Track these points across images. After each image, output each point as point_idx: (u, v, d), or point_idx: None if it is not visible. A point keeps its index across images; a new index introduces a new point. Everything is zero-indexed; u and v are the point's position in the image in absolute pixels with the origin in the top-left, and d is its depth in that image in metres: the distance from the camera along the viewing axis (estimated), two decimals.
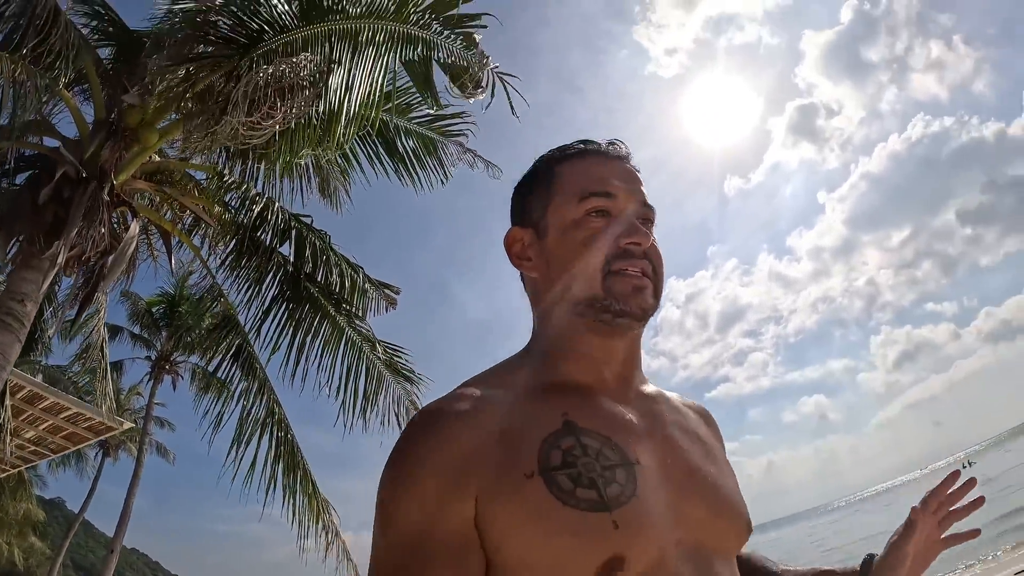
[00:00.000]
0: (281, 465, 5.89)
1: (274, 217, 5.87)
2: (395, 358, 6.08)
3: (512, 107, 4.92)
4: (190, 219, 6.12)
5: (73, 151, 4.98)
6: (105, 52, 6.02)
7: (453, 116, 6.05)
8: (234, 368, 5.97)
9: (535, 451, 0.72)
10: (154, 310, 16.58)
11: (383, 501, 0.74)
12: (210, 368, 5.92)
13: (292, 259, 5.89)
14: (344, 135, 4.07)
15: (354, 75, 3.91)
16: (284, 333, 5.87)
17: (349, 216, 6.84)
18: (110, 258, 4.88)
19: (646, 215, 0.90)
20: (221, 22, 4.70)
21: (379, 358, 6.01)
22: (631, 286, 0.84)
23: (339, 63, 3.97)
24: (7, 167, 4.54)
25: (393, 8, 4.38)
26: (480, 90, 4.80)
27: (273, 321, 5.89)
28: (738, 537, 0.84)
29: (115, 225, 5.03)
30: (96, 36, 5.92)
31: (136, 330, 16.73)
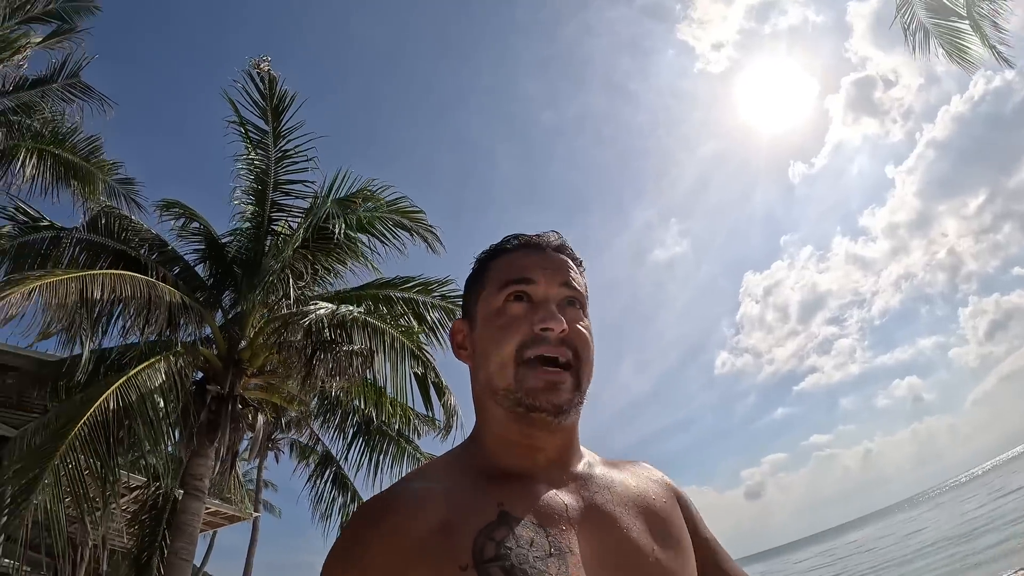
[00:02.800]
0: None
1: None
2: None
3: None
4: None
5: (207, 371, 7.69)
6: (202, 269, 8.70)
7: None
8: (334, 489, 8.64)
9: (470, 543, 0.72)
10: None
11: None
12: (313, 495, 8.60)
13: (363, 408, 8.49)
14: (394, 416, 6.69)
15: (386, 369, 6.43)
16: (363, 456, 8.48)
17: None
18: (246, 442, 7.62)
19: (571, 296, 0.89)
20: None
21: None
22: (543, 381, 0.82)
23: (376, 352, 6.45)
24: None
25: (411, 326, 6.96)
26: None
27: (355, 449, 8.51)
28: None
29: (247, 417, 7.79)
30: (194, 256, 8.62)
31: None
